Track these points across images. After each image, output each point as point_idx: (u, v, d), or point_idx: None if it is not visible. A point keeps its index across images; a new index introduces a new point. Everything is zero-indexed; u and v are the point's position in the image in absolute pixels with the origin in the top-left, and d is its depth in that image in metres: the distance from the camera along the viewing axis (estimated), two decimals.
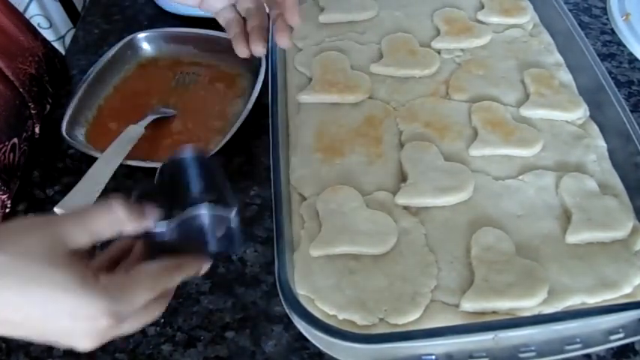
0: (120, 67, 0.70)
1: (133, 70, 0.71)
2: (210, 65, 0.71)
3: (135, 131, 0.59)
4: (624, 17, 0.75)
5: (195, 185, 0.46)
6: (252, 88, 0.64)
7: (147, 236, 0.42)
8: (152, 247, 0.44)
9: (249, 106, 0.62)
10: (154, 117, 0.63)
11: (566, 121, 0.56)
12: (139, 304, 0.36)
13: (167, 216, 0.42)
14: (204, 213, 0.42)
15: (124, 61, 0.70)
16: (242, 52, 0.51)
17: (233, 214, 0.43)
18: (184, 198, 0.44)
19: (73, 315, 0.34)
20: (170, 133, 0.64)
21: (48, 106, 0.68)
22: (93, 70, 0.66)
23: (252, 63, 0.68)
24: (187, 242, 0.43)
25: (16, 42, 0.64)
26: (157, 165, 0.54)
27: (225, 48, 0.71)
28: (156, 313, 0.38)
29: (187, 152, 0.44)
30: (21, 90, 0.62)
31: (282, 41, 0.51)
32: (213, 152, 0.58)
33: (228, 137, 0.59)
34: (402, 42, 0.63)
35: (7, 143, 0.58)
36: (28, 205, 0.58)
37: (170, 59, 0.72)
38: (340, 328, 0.41)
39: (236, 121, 0.60)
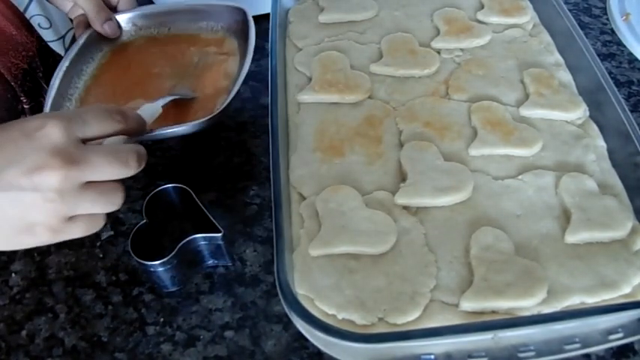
0: (94, 54, 0.66)
1: (108, 56, 0.67)
2: (192, 36, 0.68)
3: (153, 110, 0.52)
4: (624, 17, 0.75)
5: (183, 215, 0.52)
6: (243, 49, 0.62)
7: (149, 271, 0.47)
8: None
9: (247, 66, 0.58)
10: (174, 97, 0.58)
11: (566, 121, 0.56)
12: (92, 133, 0.38)
13: (164, 247, 0.47)
14: (197, 240, 0.50)
15: (97, 47, 0.67)
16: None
17: (221, 236, 0.49)
18: (177, 230, 0.52)
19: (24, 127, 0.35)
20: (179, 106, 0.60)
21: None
22: (65, 61, 0.62)
23: (235, 26, 0.66)
24: (187, 262, 0.51)
25: (8, 37, 0.64)
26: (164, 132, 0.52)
27: (202, 16, 0.68)
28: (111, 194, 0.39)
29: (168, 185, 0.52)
30: (13, 84, 0.62)
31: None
32: (220, 110, 0.54)
33: (233, 93, 0.55)
34: (401, 42, 0.63)
35: None
36: None
37: (147, 38, 0.69)
38: (339, 327, 0.41)
39: (237, 78, 0.58)
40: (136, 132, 0.44)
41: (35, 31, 0.70)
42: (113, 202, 0.39)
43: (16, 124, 0.36)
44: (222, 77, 0.63)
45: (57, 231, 0.37)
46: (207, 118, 0.53)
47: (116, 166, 0.38)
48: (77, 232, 0.39)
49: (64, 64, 0.62)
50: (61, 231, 0.38)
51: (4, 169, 0.35)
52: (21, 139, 0.35)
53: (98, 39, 0.67)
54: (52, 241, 0.38)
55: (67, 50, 0.65)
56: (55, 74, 0.61)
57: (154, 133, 0.51)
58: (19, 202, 0.35)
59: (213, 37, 0.68)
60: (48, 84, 0.69)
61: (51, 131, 0.35)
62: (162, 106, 0.54)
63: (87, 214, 0.39)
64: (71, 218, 0.38)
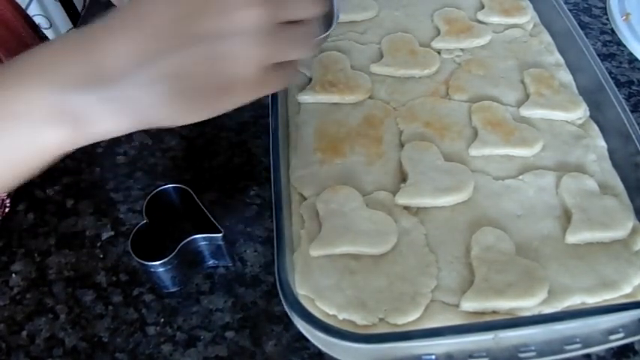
0: None
1: None
2: None
3: None
4: (624, 17, 0.75)
5: (183, 215, 0.52)
6: None
7: (149, 271, 0.47)
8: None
9: None
10: None
11: (566, 121, 0.56)
12: None
13: (164, 247, 0.47)
14: (198, 240, 0.50)
15: None
16: None
17: (221, 236, 0.49)
18: (177, 230, 0.51)
19: None
20: None
21: None
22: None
23: None
24: (187, 262, 0.50)
25: (18, 37, 0.63)
26: None
27: None
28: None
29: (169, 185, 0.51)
30: None
31: None
32: (335, 26, 0.48)
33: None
34: (402, 42, 0.63)
35: None
36: (28, 205, 0.58)
37: None
38: (340, 327, 0.41)
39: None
40: None
41: (41, 31, 0.69)
42: (307, 46, 0.35)
43: None
44: None
45: (257, 83, 0.33)
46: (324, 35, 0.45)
47: (310, 2, 0.34)
48: (276, 83, 0.35)
49: None
50: (262, 83, 0.33)
51: (193, 18, 0.30)
52: None
53: None
54: (249, 99, 0.34)
55: None
56: None
57: None
58: (216, 53, 0.31)
59: None
60: None
61: None
62: None
63: (282, 61, 0.34)
64: (268, 68, 0.33)
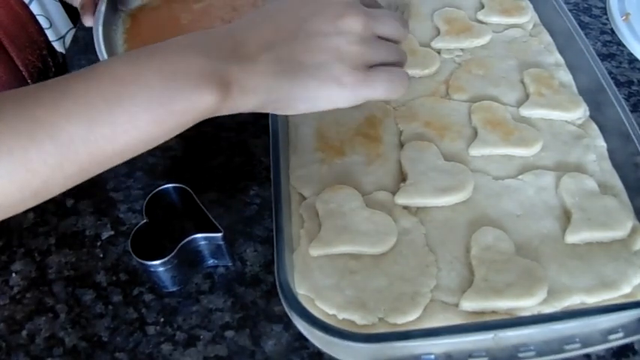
0: (116, 24, 0.65)
1: (129, 21, 0.66)
2: None
3: None
4: (624, 17, 0.75)
5: (183, 215, 0.52)
6: None
7: (149, 271, 0.47)
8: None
9: None
10: None
11: (566, 121, 0.56)
12: None
13: (164, 247, 0.47)
14: (198, 240, 0.49)
15: (116, 17, 0.65)
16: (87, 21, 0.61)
17: (221, 236, 0.49)
18: (177, 230, 0.52)
19: None
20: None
21: None
22: (97, 31, 0.61)
23: None
24: (187, 262, 0.50)
25: (25, 32, 0.63)
26: None
27: None
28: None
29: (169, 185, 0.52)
30: (29, 81, 0.61)
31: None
32: None
33: None
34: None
35: None
36: None
37: None
38: (340, 327, 0.41)
39: None
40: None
41: (43, 30, 0.69)
42: (402, 56, 0.42)
43: None
44: None
45: (361, 80, 0.39)
46: None
47: (399, 24, 0.41)
48: (379, 85, 0.40)
49: (99, 31, 0.61)
50: (365, 81, 0.39)
51: (309, 19, 0.38)
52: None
53: (113, 8, 0.65)
54: (356, 97, 0.39)
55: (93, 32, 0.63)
56: (96, 44, 0.60)
57: None
58: (325, 47, 0.38)
59: None
60: None
61: None
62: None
63: (386, 69, 0.40)
64: (372, 69, 0.39)
